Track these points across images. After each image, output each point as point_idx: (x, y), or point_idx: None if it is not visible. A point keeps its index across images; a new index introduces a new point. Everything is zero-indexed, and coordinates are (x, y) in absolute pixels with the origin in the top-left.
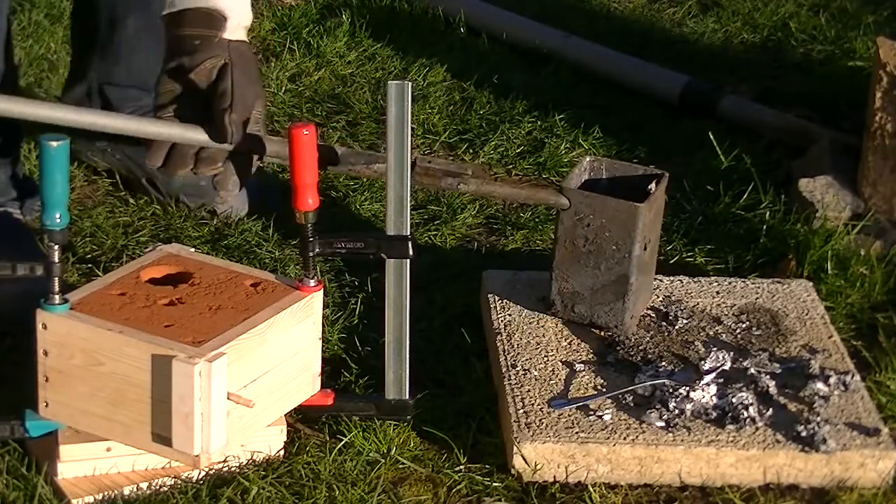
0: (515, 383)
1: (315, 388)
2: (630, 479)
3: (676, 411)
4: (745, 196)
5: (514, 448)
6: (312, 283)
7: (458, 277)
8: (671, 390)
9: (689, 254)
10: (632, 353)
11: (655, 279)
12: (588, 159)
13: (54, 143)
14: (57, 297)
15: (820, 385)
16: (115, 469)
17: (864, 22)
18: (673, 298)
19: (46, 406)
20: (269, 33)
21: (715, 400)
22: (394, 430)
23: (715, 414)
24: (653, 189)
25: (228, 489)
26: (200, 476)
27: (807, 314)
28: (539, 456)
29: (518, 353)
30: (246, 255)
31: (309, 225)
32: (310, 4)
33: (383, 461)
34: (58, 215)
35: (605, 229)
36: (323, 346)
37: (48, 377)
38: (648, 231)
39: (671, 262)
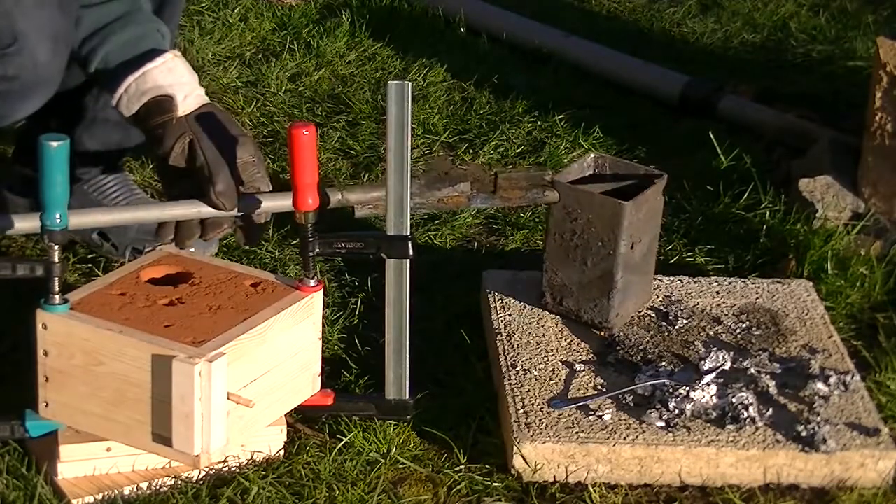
0: (515, 383)
1: (315, 388)
2: (630, 479)
3: (676, 411)
4: (745, 196)
5: (514, 448)
6: (312, 283)
7: (458, 277)
8: (671, 390)
9: (689, 254)
10: (632, 353)
11: (655, 279)
12: (592, 155)
13: (54, 144)
14: (57, 297)
15: (820, 385)
16: (115, 469)
17: (864, 22)
18: (673, 298)
19: (46, 406)
20: (269, 33)
21: (715, 400)
22: (394, 430)
23: (715, 414)
24: (646, 189)
25: (228, 489)
26: (200, 476)
27: (807, 314)
28: (539, 456)
29: (518, 353)
30: (246, 255)
31: (309, 225)
32: (310, 4)
33: (383, 461)
34: (58, 215)
35: (592, 225)
36: (323, 346)
37: (48, 377)
38: (637, 231)
39: (671, 262)
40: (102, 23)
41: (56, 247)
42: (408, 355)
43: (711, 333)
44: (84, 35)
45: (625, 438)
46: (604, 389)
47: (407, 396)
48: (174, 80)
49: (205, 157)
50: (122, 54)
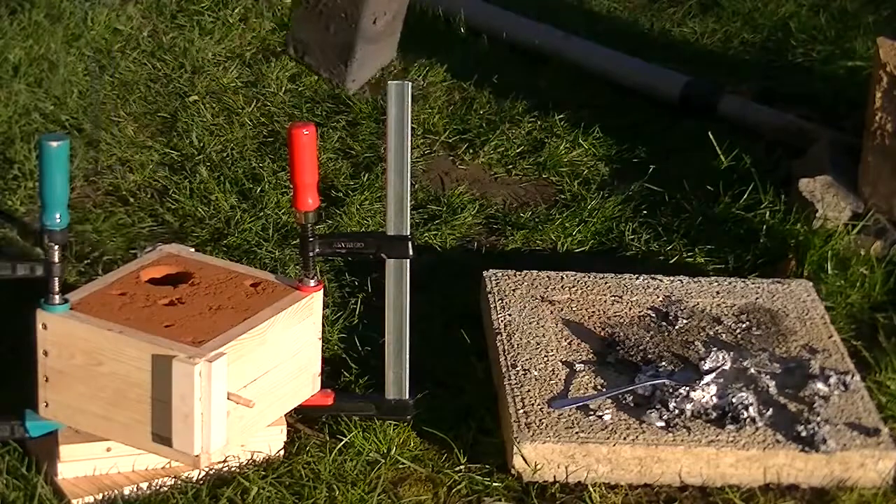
0: (515, 383)
1: (315, 388)
2: (630, 479)
3: (676, 411)
4: (745, 196)
5: (514, 448)
6: (312, 283)
7: (458, 277)
8: (671, 390)
9: (689, 254)
10: (632, 353)
11: (655, 279)
12: None
13: (54, 144)
14: (57, 297)
15: (820, 385)
16: (115, 469)
17: (864, 22)
18: (673, 298)
19: (46, 406)
20: (269, 33)
21: (715, 400)
22: (394, 430)
23: (715, 414)
24: None
25: (228, 489)
26: (200, 476)
27: (807, 314)
28: (539, 456)
29: (518, 353)
30: (246, 255)
31: (309, 225)
32: None
33: (383, 461)
34: (58, 215)
35: None
36: (323, 346)
37: (48, 377)
38: (382, 5)
39: (671, 262)
40: None
41: (56, 247)
42: (408, 355)
43: (711, 333)
44: None
45: (625, 438)
46: (604, 389)
47: (407, 396)
48: None
49: None
50: None
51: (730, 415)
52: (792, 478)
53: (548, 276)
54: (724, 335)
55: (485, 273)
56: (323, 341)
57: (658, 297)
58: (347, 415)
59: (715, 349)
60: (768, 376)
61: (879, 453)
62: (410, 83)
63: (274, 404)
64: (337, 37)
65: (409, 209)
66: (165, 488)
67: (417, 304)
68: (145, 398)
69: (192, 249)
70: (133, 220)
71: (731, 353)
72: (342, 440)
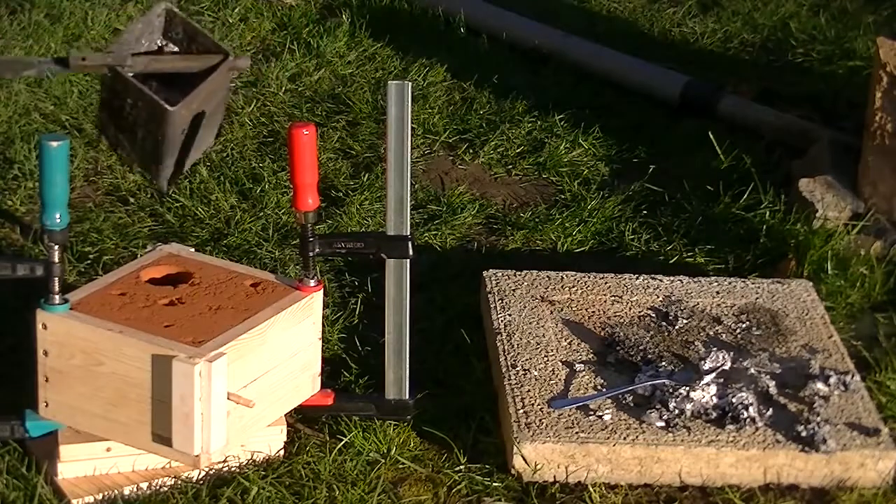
0: (515, 383)
1: (315, 388)
2: (630, 479)
3: (676, 411)
4: (745, 196)
5: (514, 448)
6: (312, 283)
7: (458, 277)
8: (671, 390)
9: (689, 254)
10: (632, 353)
11: (655, 279)
12: (163, 6)
13: (54, 144)
14: (57, 297)
15: (820, 385)
16: (115, 469)
17: (864, 22)
18: (673, 298)
19: (46, 406)
20: (269, 33)
21: (715, 400)
22: (394, 430)
23: (715, 414)
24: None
25: (228, 489)
26: (200, 476)
27: (807, 314)
28: (539, 456)
29: (518, 353)
30: (246, 255)
31: (309, 225)
32: (310, 4)
33: (383, 461)
34: (58, 215)
35: (140, 111)
36: (323, 346)
37: (48, 377)
38: (186, 120)
39: (671, 262)
40: None
41: (56, 247)
42: (408, 355)
43: (711, 333)
44: None
45: (625, 438)
46: (604, 389)
47: (407, 396)
48: None
49: None
50: None
51: (730, 415)
52: (792, 478)
53: (548, 276)
54: (724, 335)
55: (485, 273)
56: (323, 341)
57: (658, 297)
58: (347, 415)
59: (715, 349)
60: (768, 376)
61: (879, 453)
62: (410, 83)
63: (274, 404)
64: (145, 143)
65: (409, 209)
66: (165, 488)
67: (417, 304)
68: (145, 398)
69: (192, 249)
70: (133, 220)
71: (731, 353)
72: (342, 440)
